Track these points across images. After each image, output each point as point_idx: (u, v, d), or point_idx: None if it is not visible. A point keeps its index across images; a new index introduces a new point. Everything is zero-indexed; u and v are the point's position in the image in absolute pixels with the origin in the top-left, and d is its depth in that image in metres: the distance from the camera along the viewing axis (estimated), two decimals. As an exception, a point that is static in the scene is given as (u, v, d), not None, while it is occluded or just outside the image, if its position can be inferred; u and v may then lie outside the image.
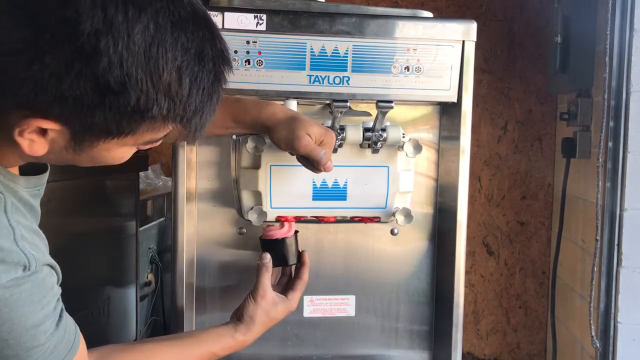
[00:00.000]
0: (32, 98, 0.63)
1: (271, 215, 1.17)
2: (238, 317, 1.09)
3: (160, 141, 0.76)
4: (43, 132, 0.67)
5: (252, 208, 1.17)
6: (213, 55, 0.70)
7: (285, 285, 1.17)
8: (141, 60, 0.63)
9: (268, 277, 1.11)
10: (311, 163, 1.05)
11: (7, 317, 0.67)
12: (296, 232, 1.19)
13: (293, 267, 1.20)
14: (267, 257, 1.13)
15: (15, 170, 0.76)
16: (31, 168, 0.79)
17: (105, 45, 0.61)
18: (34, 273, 0.69)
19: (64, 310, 0.77)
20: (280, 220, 1.18)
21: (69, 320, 0.77)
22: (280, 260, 1.17)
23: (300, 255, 1.19)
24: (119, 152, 0.74)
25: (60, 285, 0.77)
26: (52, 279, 0.73)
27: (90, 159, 0.74)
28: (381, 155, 1.18)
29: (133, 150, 0.76)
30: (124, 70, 0.63)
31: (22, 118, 0.65)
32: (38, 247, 0.73)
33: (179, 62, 0.66)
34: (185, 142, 1.14)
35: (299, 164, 1.11)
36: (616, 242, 1.70)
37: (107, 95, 0.63)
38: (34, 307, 0.69)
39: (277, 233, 1.17)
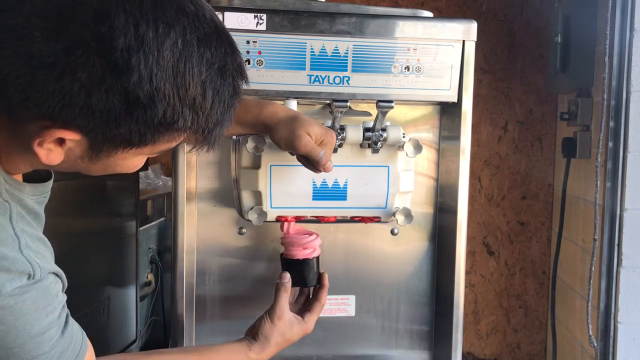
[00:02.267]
0: (58, 110, 0.64)
1: (271, 215, 1.17)
2: (253, 335, 1.08)
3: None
4: (61, 141, 0.68)
5: (252, 208, 1.17)
6: (233, 69, 0.72)
7: (302, 305, 1.16)
8: (169, 75, 0.65)
9: (286, 297, 1.11)
10: (311, 163, 1.05)
11: (12, 325, 0.67)
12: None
13: (311, 287, 1.18)
14: (287, 277, 1.12)
15: (19, 177, 0.77)
16: (35, 175, 0.79)
17: (137, 61, 0.63)
18: (39, 281, 0.70)
19: (70, 317, 0.77)
20: (281, 220, 1.18)
21: (75, 327, 0.77)
22: (299, 280, 1.15)
23: (320, 276, 1.17)
24: (134, 160, 0.76)
25: (64, 292, 0.77)
26: (56, 287, 0.74)
27: (103, 168, 0.75)
28: (381, 155, 1.18)
29: (145, 158, 0.77)
30: (154, 85, 0.65)
31: (43, 128, 0.66)
32: (43, 255, 0.73)
33: (203, 76, 0.68)
34: (188, 146, 1.15)
35: (299, 163, 1.11)
36: (616, 242, 1.70)
37: (136, 109, 0.65)
38: (38, 314, 0.70)
39: (300, 253, 1.15)
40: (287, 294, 1.11)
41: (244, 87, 0.76)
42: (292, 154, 1.09)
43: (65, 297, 0.76)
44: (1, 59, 0.63)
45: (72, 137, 0.67)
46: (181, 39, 0.66)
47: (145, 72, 0.64)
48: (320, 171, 1.06)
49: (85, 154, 0.70)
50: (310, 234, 1.17)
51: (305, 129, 1.02)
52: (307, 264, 1.15)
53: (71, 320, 0.77)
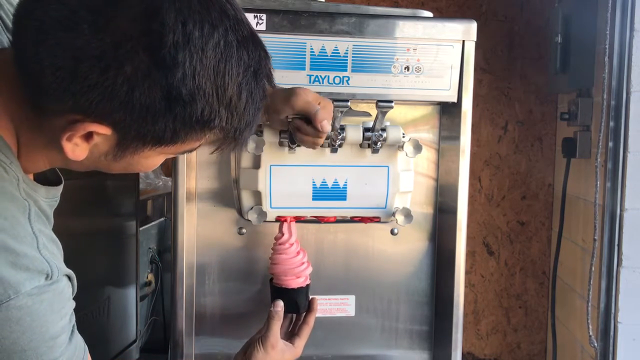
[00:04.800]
0: (96, 103, 0.64)
1: (271, 215, 1.17)
2: None
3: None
4: (88, 137, 0.68)
5: (252, 208, 1.17)
6: (265, 73, 0.74)
7: (286, 329, 1.18)
8: (210, 74, 0.66)
9: (279, 325, 1.13)
10: (306, 132, 1.05)
11: (28, 326, 0.66)
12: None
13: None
14: (280, 306, 1.14)
15: (31, 178, 0.77)
16: (43, 179, 0.79)
17: (183, 58, 0.64)
18: (55, 282, 0.69)
19: (75, 326, 0.77)
20: (281, 220, 1.18)
21: (78, 337, 0.77)
22: (292, 308, 1.17)
23: (310, 302, 1.19)
24: (155, 160, 0.76)
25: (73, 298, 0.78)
26: (69, 291, 0.74)
27: (124, 166, 0.75)
28: (381, 155, 1.18)
29: (165, 158, 0.78)
30: (196, 83, 0.65)
31: (73, 122, 0.66)
32: (57, 257, 0.73)
33: (240, 78, 0.69)
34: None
35: (299, 163, 1.11)
36: (616, 242, 1.70)
37: (176, 106, 0.66)
38: (53, 317, 0.69)
39: (293, 282, 1.16)
40: (280, 322, 1.13)
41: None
42: (288, 121, 1.07)
43: (74, 304, 0.76)
44: (43, 50, 0.63)
45: (103, 131, 0.66)
46: (223, 40, 0.67)
47: (189, 70, 0.64)
48: (316, 143, 1.06)
49: (110, 150, 0.70)
50: (302, 263, 1.18)
51: (302, 90, 1.04)
52: (301, 292, 1.17)
53: (76, 330, 0.76)
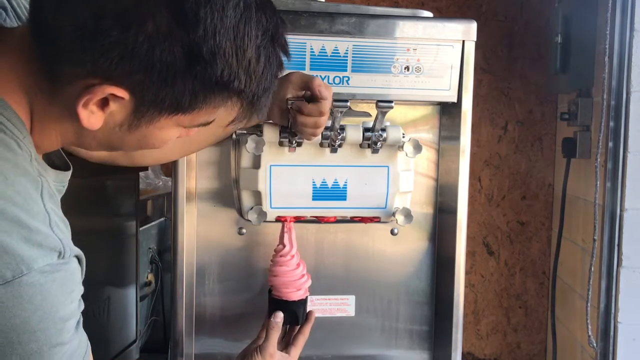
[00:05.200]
0: (116, 62, 0.63)
1: (271, 216, 1.17)
2: None
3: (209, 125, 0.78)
4: (104, 104, 0.67)
5: (252, 208, 1.17)
6: (282, 41, 0.74)
7: (281, 339, 1.18)
8: (230, 34, 0.66)
9: (277, 335, 1.13)
10: (308, 112, 1.04)
11: (39, 305, 0.64)
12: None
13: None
14: (281, 317, 1.14)
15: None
16: (50, 164, 0.78)
17: (204, 14, 0.64)
18: (67, 263, 0.68)
19: (82, 318, 0.76)
20: (280, 220, 1.18)
21: (83, 332, 0.76)
22: (291, 320, 1.17)
23: (307, 314, 1.20)
24: (169, 132, 0.75)
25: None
26: (79, 274, 0.72)
27: (138, 139, 0.74)
28: (381, 155, 1.18)
29: (179, 132, 0.77)
30: (216, 41, 0.65)
31: (91, 86, 0.65)
32: (67, 237, 0.72)
33: (259, 41, 0.69)
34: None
35: (299, 163, 1.11)
36: (616, 242, 1.70)
37: (197, 65, 0.65)
38: (64, 298, 0.67)
39: (294, 295, 1.16)
40: (279, 333, 1.14)
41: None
42: (289, 104, 1.05)
43: (83, 290, 0.74)
44: (64, 9, 0.62)
45: (121, 94, 0.66)
46: (242, 2, 0.67)
47: (210, 28, 0.64)
48: (318, 124, 1.05)
49: (125, 120, 0.70)
50: (302, 276, 1.17)
51: (297, 71, 1.05)
52: (301, 305, 1.17)
53: (81, 323, 0.76)
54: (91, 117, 0.68)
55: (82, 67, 0.64)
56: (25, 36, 0.67)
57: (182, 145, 1.12)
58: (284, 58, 0.76)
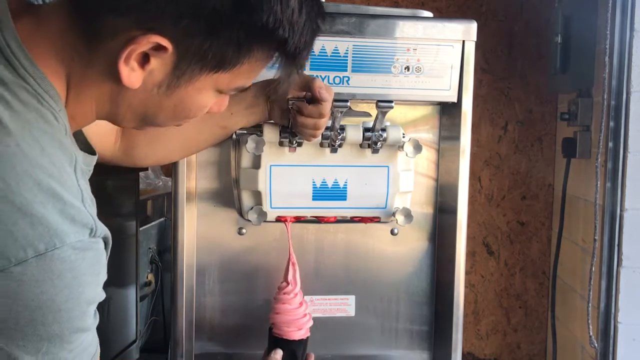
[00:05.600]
0: (163, 8, 0.63)
1: (271, 216, 1.17)
2: None
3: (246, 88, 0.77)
4: (145, 61, 0.67)
5: (252, 208, 1.17)
6: (319, 4, 0.74)
7: None
8: None
9: None
10: (308, 113, 1.03)
11: (68, 282, 0.62)
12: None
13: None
14: (280, 354, 1.12)
15: None
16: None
17: None
18: (97, 242, 0.66)
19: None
20: (281, 220, 1.18)
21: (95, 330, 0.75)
22: (290, 359, 1.15)
23: (306, 356, 1.18)
24: (207, 97, 0.74)
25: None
26: (104, 257, 0.70)
27: (174, 106, 0.73)
28: (381, 155, 1.18)
29: (215, 98, 0.76)
30: None
31: (133, 38, 0.64)
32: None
33: None
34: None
35: (299, 163, 1.11)
36: (616, 242, 1.70)
37: (243, 11, 0.65)
38: (92, 279, 0.66)
39: (295, 334, 1.14)
40: None
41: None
42: (290, 104, 1.05)
43: (106, 276, 0.73)
44: None
45: (165, 44, 0.65)
46: None
47: None
48: (318, 126, 1.05)
49: (165, 79, 0.69)
50: (304, 315, 1.15)
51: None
52: (301, 345, 1.15)
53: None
54: (132, 75, 0.67)
55: (126, 17, 0.64)
56: (58, 7, 0.67)
57: (183, 144, 1.12)
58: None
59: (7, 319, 0.60)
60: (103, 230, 0.68)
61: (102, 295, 0.69)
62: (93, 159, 0.79)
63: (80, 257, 0.63)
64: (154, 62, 0.67)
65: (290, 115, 1.06)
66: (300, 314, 1.15)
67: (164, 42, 0.65)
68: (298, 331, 1.14)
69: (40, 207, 0.60)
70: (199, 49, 0.67)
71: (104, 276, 0.69)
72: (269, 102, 1.09)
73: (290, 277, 1.16)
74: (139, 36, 0.64)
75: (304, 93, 1.04)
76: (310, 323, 1.17)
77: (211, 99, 0.76)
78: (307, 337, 1.16)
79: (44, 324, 0.61)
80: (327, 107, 1.03)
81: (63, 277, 0.61)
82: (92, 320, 0.68)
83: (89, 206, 0.67)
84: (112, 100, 0.72)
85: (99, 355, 0.74)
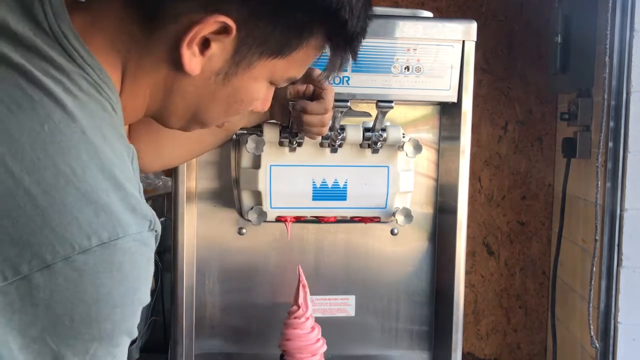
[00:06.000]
0: None
1: (271, 216, 1.17)
2: None
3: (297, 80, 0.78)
4: (205, 47, 0.66)
5: (252, 208, 1.17)
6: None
7: None
8: None
9: None
10: (312, 111, 1.02)
11: (126, 276, 0.59)
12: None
13: None
14: None
15: None
16: None
17: None
18: (152, 237, 0.63)
19: None
20: (281, 220, 1.18)
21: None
22: None
23: None
24: (261, 86, 0.74)
25: None
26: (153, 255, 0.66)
27: (228, 97, 0.73)
28: (381, 155, 1.18)
29: (267, 89, 0.76)
30: None
31: (199, 20, 0.63)
32: None
33: None
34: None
35: (299, 163, 1.11)
36: (616, 242, 1.70)
37: None
38: (146, 276, 0.62)
39: None
40: None
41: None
42: (290, 104, 1.05)
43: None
44: None
45: (232, 24, 0.64)
46: None
47: None
48: (324, 122, 1.04)
49: (224, 66, 0.68)
50: (317, 340, 1.10)
51: None
52: None
53: None
54: (192, 60, 0.66)
55: (191, 2, 0.64)
56: None
57: (188, 149, 1.11)
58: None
59: (62, 315, 0.57)
60: (159, 225, 0.65)
61: (148, 299, 0.66)
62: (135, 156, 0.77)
63: (139, 252, 0.60)
64: (215, 47, 0.66)
65: (292, 115, 1.06)
66: (313, 339, 1.09)
67: (230, 22, 0.64)
68: (312, 357, 1.08)
69: (104, 195, 0.58)
70: (263, 31, 0.66)
71: (150, 279, 0.66)
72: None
73: (300, 300, 1.11)
74: (205, 17, 0.63)
75: (304, 87, 1.03)
76: (324, 348, 1.11)
77: (263, 90, 0.75)
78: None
79: (98, 320, 0.59)
80: (330, 99, 1.03)
81: (122, 269, 0.59)
82: (138, 320, 0.65)
83: (144, 199, 0.65)
84: (166, 89, 0.71)
85: None
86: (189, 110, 0.74)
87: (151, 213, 0.63)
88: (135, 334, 0.65)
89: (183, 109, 0.74)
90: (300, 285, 1.12)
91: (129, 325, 0.62)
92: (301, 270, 1.13)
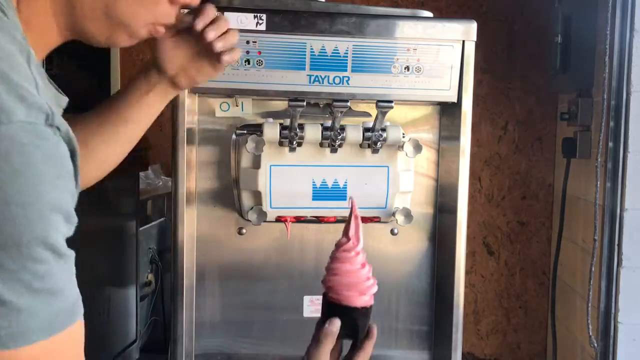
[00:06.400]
0: None
1: (271, 216, 1.17)
2: None
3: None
4: None
5: (252, 208, 1.17)
6: None
7: (339, 356, 0.95)
8: None
9: (330, 346, 0.90)
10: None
11: (18, 170, 0.52)
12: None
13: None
14: (337, 325, 0.90)
15: None
16: None
17: None
18: (54, 135, 0.56)
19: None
20: (281, 220, 1.18)
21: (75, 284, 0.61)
22: (350, 332, 0.93)
23: (368, 328, 0.95)
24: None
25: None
26: (70, 165, 0.58)
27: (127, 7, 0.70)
28: (381, 155, 1.18)
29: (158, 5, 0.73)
30: None
31: None
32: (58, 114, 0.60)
33: None
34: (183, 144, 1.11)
35: (299, 163, 1.11)
36: (616, 242, 1.70)
37: None
38: (52, 178, 0.55)
39: (358, 301, 0.92)
40: (332, 343, 0.90)
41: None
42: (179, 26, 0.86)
43: (77, 189, 0.60)
44: None
45: None
46: None
47: None
48: (225, 47, 0.88)
49: None
50: (368, 277, 0.94)
51: None
52: (364, 314, 0.92)
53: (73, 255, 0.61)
54: None
55: None
56: None
57: (104, 162, 1.02)
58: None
59: None
60: (64, 126, 0.58)
61: (72, 212, 0.58)
62: (64, 100, 0.71)
63: (32, 144, 0.53)
64: None
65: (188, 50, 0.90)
66: (363, 276, 0.94)
67: None
68: (360, 297, 0.93)
69: None
70: None
71: (70, 186, 0.58)
72: (162, 71, 0.92)
73: (352, 232, 0.94)
74: None
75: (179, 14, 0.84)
76: (375, 289, 0.95)
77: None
78: (371, 306, 0.94)
79: None
80: (211, 11, 0.87)
81: (10, 160, 0.52)
82: (63, 242, 0.57)
83: (45, 96, 0.59)
84: (75, 12, 0.67)
85: (82, 314, 0.60)
86: (98, 8, 0.70)
87: (47, 107, 0.56)
88: (63, 251, 0.57)
89: (91, 8, 0.69)
90: (353, 216, 0.94)
91: (42, 233, 0.54)
92: (354, 202, 0.95)
